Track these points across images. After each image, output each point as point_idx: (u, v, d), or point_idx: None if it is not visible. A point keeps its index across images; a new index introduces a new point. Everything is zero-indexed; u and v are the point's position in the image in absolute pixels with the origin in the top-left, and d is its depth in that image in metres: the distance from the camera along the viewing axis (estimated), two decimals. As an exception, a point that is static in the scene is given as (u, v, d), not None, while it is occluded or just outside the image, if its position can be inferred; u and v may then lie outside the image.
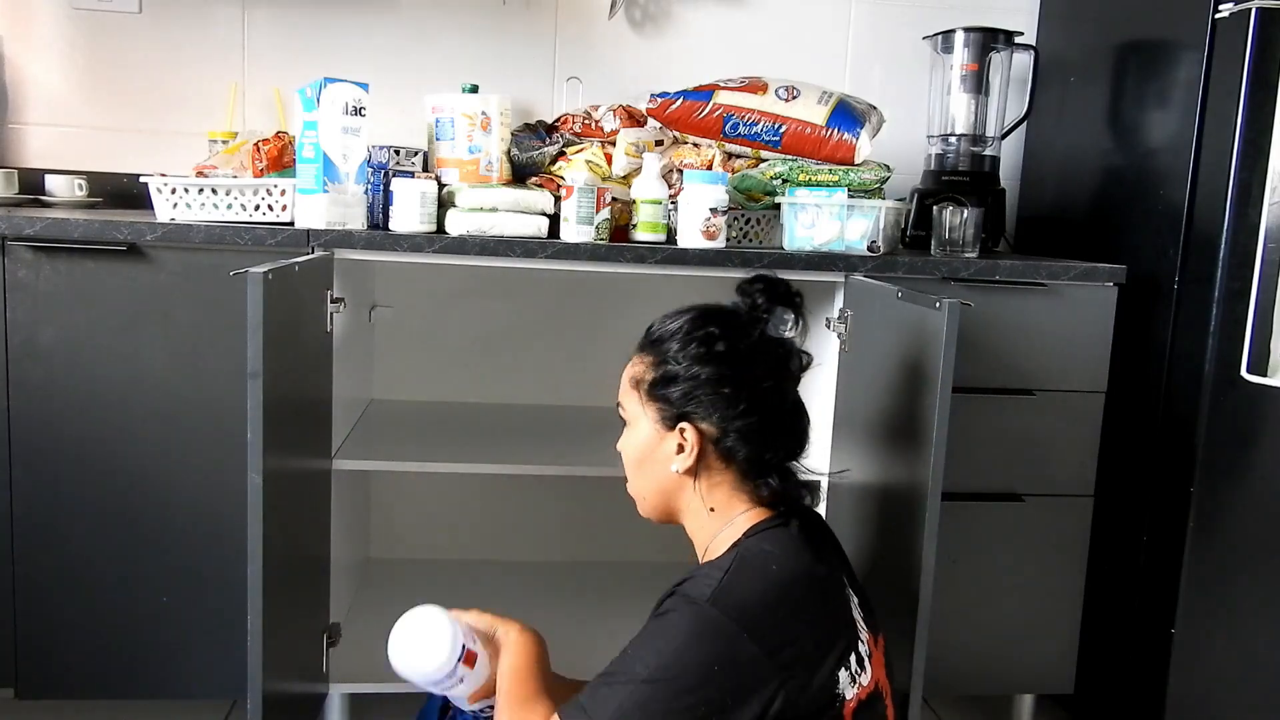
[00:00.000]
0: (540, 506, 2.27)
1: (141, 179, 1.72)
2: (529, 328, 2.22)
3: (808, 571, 1.09)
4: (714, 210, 1.68)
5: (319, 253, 1.58)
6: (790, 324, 1.21)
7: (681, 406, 1.14)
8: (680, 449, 1.14)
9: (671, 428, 1.15)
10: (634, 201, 1.73)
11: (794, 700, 1.02)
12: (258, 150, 1.71)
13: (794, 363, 1.19)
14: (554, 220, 1.72)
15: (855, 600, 1.15)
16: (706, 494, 1.16)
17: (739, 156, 1.89)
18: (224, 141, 1.90)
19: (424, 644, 1.16)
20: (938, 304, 1.30)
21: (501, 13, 2.16)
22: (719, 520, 1.16)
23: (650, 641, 1.03)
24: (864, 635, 1.13)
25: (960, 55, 2.07)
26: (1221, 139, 1.66)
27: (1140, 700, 1.80)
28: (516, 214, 1.68)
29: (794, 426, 1.19)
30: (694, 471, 1.15)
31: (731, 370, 1.13)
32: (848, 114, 1.82)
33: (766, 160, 1.86)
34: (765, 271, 1.22)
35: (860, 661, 1.10)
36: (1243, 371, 1.62)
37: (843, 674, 1.07)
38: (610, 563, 2.31)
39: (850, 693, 1.07)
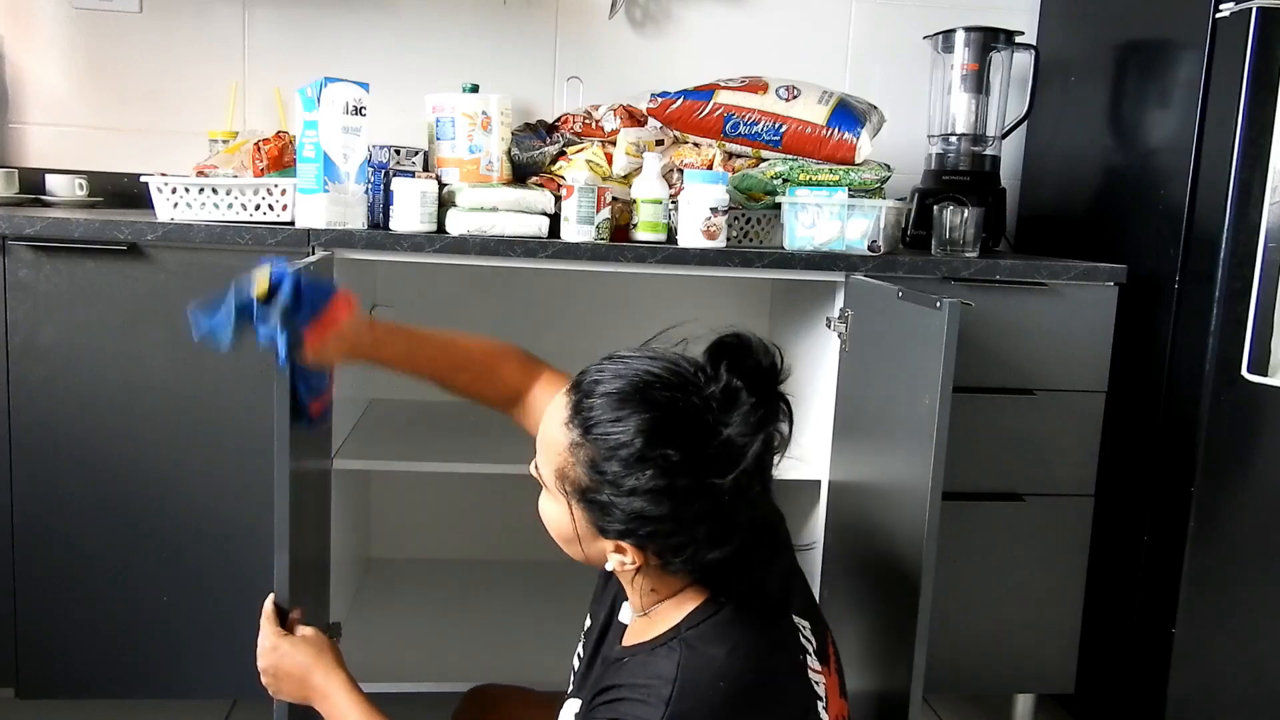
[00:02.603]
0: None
1: (142, 179, 1.72)
2: (529, 328, 2.22)
3: (758, 670, 0.98)
4: (714, 210, 1.68)
5: (319, 253, 1.58)
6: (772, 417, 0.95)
7: (621, 535, 0.96)
8: (620, 551, 0.98)
9: (605, 537, 0.98)
10: (634, 201, 1.73)
11: None
12: (258, 150, 1.71)
13: (770, 459, 0.96)
14: (554, 220, 1.71)
15: (807, 637, 1.06)
16: (648, 581, 1.02)
17: (739, 156, 1.89)
18: (224, 141, 1.90)
19: None
20: (938, 304, 1.30)
21: (502, 12, 2.16)
22: (658, 595, 1.03)
23: None
24: (822, 683, 1.05)
25: (961, 55, 2.07)
26: (1221, 139, 1.66)
27: (1140, 700, 1.80)
28: (517, 214, 1.68)
29: (749, 541, 0.98)
30: (633, 574, 1.01)
31: (692, 512, 0.92)
32: (848, 114, 1.82)
33: (767, 160, 1.86)
34: (731, 340, 0.96)
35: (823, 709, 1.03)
36: (1243, 371, 1.62)
37: None
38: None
39: None
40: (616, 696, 0.98)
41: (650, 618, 1.04)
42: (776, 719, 0.99)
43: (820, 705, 1.03)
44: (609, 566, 1.00)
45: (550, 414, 1.00)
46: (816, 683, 1.05)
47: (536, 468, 1.03)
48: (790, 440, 0.98)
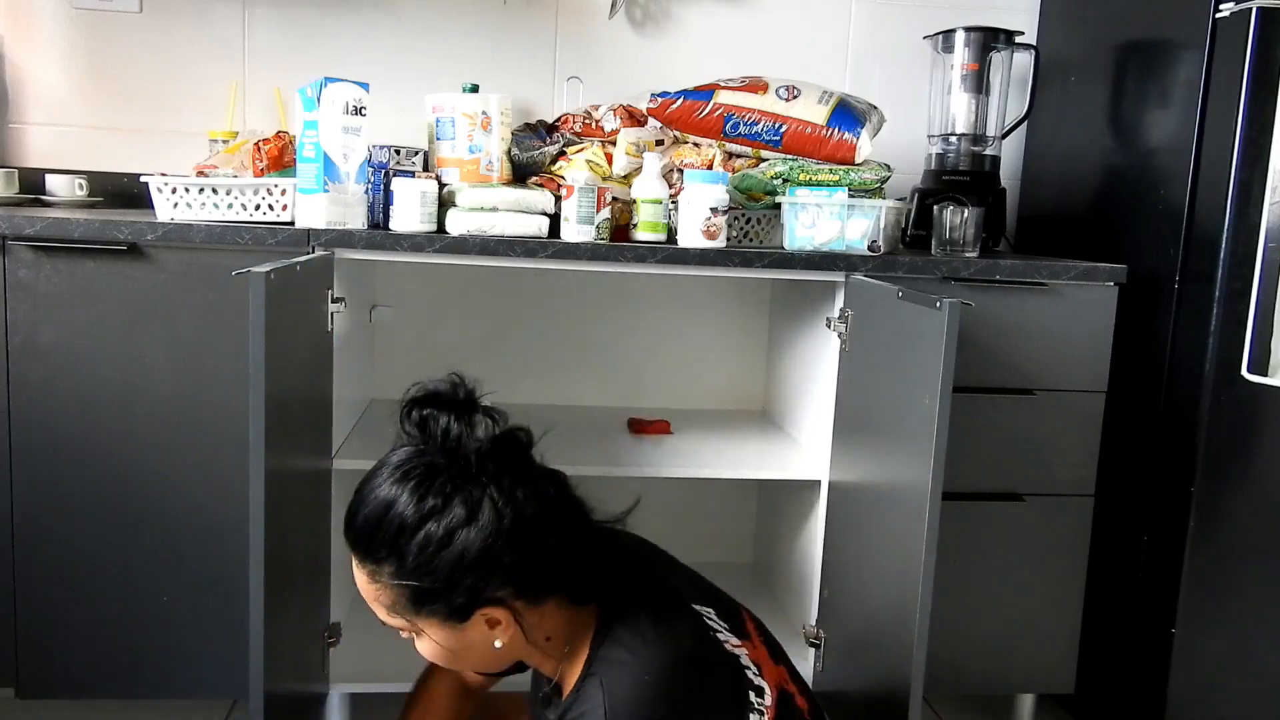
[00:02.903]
0: (540, 506, 2.27)
1: (142, 179, 1.73)
2: (529, 328, 2.23)
3: (670, 652, 1.03)
4: (714, 210, 1.68)
5: (319, 252, 1.58)
6: (480, 425, 1.04)
7: (470, 601, 1.00)
8: (492, 625, 1.03)
9: (467, 619, 1.02)
10: (634, 201, 1.73)
11: None
12: (258, 150, 1.71)
13: (523, 452, 1.05)
14: (554, 220, 1.72)
15: (712, 619, 1.11)
16: (539, 633, 1.07)
17: (739, 156, 1.89)
18: (224, 141, 1.90)
19: None
20: (938, 304, 1.30)
21: (502, 12, 2.16)
22: (558, 643, 1.09)
23: None
24: (744, 654, 1.09)
25: (961, 55, 2.07)
26: (1221, 139, 1.66)
27: (1140, 700, 1.80)
28: (517, 214, 1.68)
29: (567, 512, 1.06)
30: (520, 633, 1.05)
31: (490, 528, 0.98)
32: (848, 114, 1.82)
33: (767, 160, 1.86)
34: (419, 388, 1.06)
35: (755, 688, 1.08)
36: (1243, 371, 1.62)
37: (752, 717, 1.06)
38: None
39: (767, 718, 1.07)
40: None
41: (565, 679, 1.10)
42: (712, 684, 1.05)
43: (751, 673, 1.09)
44: (497, 644, 1.05)
45: (356, 578, 1.07)
46: (738, 655, 1.09)
47: (387, 624, 1.07)
48: (494, 414, 1.06)
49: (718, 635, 1.11)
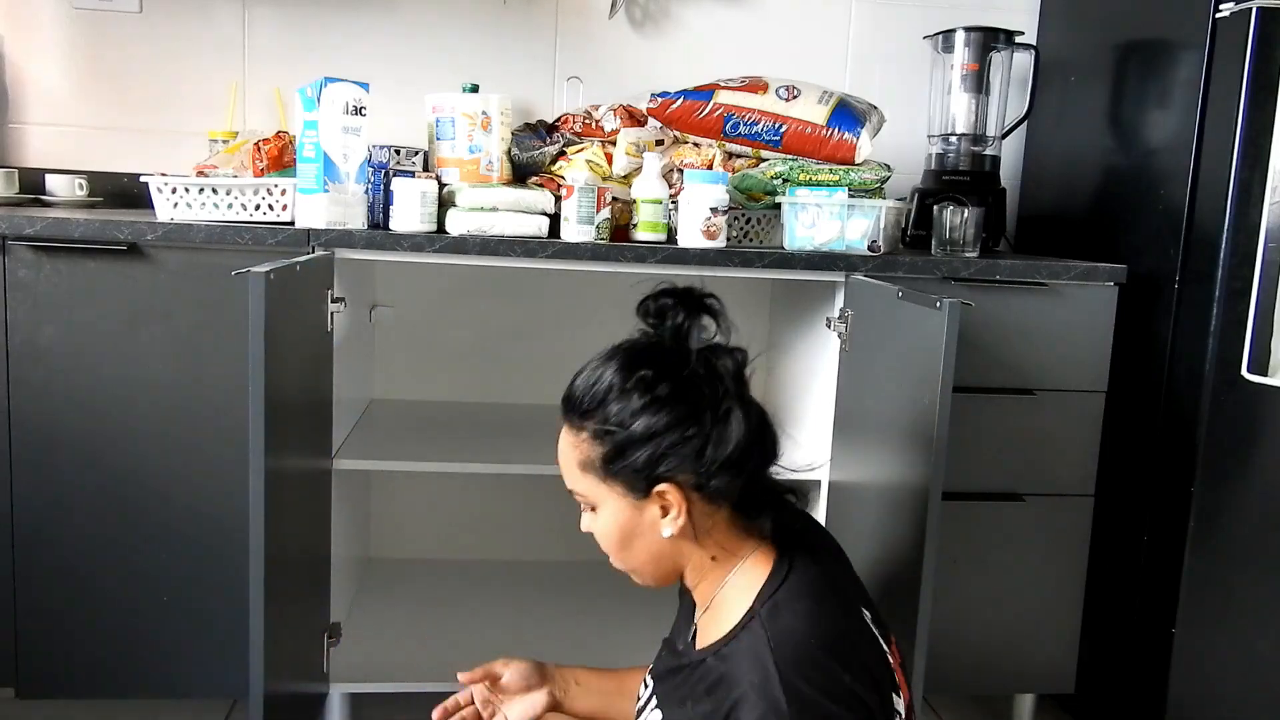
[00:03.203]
0: (540, 506, 2.27)
1: (142, 178, 1.73)
2: (529, 328, 2.23)
3: (843, 631, 1.04)
4: (714, 210, 1.68)
5: (319, 252, 1.58)
6: (713, 330, 1.11)
7: (651, 469, 1.04)
8: (665, 511, 1.06)
9: (647, 494, 1.06)
10: (634, 201, 1.73)
11: None
12: (258, 150, 1.71)
13: (735, 367, 1.09)
14: (554, 220, 1.72)
15: (871, 622, 1.10)
16: (707, 544, 1.09)
17: (739, 156, 1.89)
18: (224, 141, 1.90)
19: None
20: (938, 304, 1.30)
21: (502, 12, 2.16)
22: (723, 567, 1.10)
23: None
24: (892, 661, 1.09)
25: (961, 55, 2.07)
26: (1221, 139, 1.66)
27: (1140, 700, 1.80)
28: (517, 214, 1.68)
29: (763, 435, 1.09)
30: (690, 528, 1.07)
31: (687, 409, 1.04)
32: (848, 114, 1.82)
33: (767, 160, 1.86)
34: (666, 283, 1.13)
35: (896, 687, 1.07)
36: (1243, 371, 1.62)
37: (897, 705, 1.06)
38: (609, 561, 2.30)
39: None
40: (728, 700, 1.00)
41: (715, 612, 1.09)
42: (866, 661, 1.04)
43: (895, 676, 1.07)
44: (665, 533, 1.06)
45: (559, 444, 1.12)
46: (889, 656, 1.08)
47: (573, 491, 1.12)
48: (726, 323, 1.12)
49: (876, 635, 1.10)
